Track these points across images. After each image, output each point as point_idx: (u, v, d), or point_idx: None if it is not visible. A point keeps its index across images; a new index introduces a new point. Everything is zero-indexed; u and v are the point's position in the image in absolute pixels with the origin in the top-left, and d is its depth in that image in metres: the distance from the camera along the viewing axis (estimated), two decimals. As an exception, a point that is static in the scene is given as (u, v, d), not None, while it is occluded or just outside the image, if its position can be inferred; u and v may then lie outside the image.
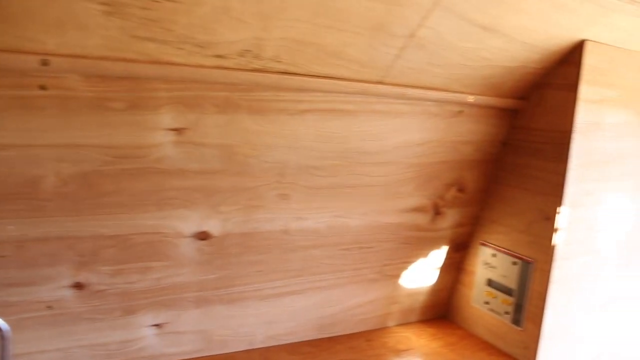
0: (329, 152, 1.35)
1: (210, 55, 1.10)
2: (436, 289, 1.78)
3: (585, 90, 1.44)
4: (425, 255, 1.69)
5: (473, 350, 1.61)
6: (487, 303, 1.67)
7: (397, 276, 1.67)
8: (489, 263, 1.66)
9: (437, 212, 1.61)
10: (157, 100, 1.12)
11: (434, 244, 1.68)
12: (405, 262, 1.66)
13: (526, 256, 1.55)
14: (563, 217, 1.46)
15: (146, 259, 1.27)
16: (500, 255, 1.63)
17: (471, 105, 1.49)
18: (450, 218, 1.66)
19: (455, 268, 1.77)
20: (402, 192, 1.52)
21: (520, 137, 1.58)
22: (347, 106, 1.31)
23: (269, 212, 1.36)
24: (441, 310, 1.83)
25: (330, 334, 1.62)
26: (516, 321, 1.57)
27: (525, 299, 1.55)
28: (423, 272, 1.71)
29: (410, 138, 1.45)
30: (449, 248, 1.72)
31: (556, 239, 1.47)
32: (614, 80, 1.50)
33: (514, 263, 1.58)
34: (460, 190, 1.62)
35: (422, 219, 1.61)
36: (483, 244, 1.69)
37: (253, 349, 1.51)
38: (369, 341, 1.61)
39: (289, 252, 1.43)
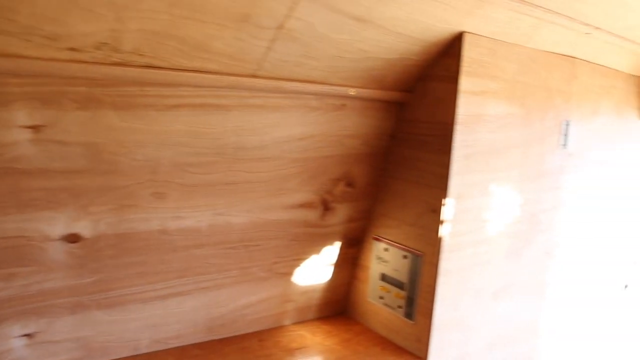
0: (204, 148, 1.33)
1: (63, 48, 1.05)
2: (332, 286, 1.78)
3: (466, 82, 1.46)
4: (318, 251, 1.69)
5: (367, 345, 1.62)
6: (381, 298, 1.68)
7: (289, 274, 1.66)
8: (382, 257, 1.68)
9: (326, 207, 1.61)
10: (8, 96, 1.07)
11: (326, 240, 1.68)
12: (297, 259, 1.65)
13: (416, 249, 1.57)
14: (449, 209, 1.49)
15: (10, 265, 1.21)
16: (392, 249, 1.64)
17: (354, 98, 1.49)
18: (341, 213, 1.67)
19: (350, 263, 1.78)
20: (287, 188, 1.51)
21: (408, 130, 1.60)
22: (220, 101, 1.29)
23: (144, 211, 1.33)
24: (339, 306, 1.84)
25: (220, 336, 1.59)
26: (408, 315, 1.59)
27: (417, 292, 1.57)
28: (317, 269, 1.71)
29: (291, 132, 1.45)
30: (342, 243, 1.73)
31: (443, 231, 1.50)
32: (495, 72, 1.54)
33: (405, 257, 1.60)
34: (349, 184, 1.62)
35: (311, 215, 1.61)
36: (376, 239, 1.70)
37: (138, 355, 1.47)
38: (262, 341, 1.60)
39: (169, 252, 1.40)
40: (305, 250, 1.66)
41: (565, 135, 1.80)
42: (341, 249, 1.73)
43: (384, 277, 1.67)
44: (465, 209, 1.53)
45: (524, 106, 1.63)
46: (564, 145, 1.80)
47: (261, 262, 1.58)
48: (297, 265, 1.66)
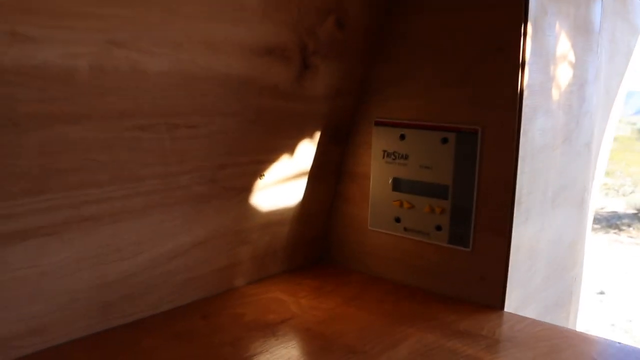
0: None
1: None
2: (306, 213, 1.06)
3: None
4: (287, 149, 0.96)
5: (391, 301, 0.93)
6: (397, 220, 1.00)
7: (245, 189, 0.91)
8: (395, 153, 0.99)
9: (304, 62, 0.88)
10: None
11: (300, 126, 0.96)
12: (257, 162, 0.91)
13: (467, 123, 0.91)
14: (527, 44, 0.85)
15: None
16: (413, 134, 0.97)
17: None
18: (324, 78, 0.94)
19: (333, 172, 1.07)
20: (248, 7, 0.76)
21: None
22: None
23: None
24: (316, 248, 1.12)
25: (127, 319, 0.83)
26: (458, 238, 0.93)
27: (475, 196, 0.91)
28: (284, 183, 0.99)
29: None
30: (323, 135, 1.01)
31: (520, 83, 0.85)
32: None
33: (444, 140, 0.94)
34: (340, 24, 0.90)
35: (282, 73, 0.87)
36: (380, 122, 1.01)
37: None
38: (207, 318, 0.85)
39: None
40: (269, 146, 0.92)
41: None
42: (321, 145, 1.01)
43: (399, 185, 0.99)
44: (539, 49, 0.89)
45: None
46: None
47: (201, 164, 0.82)
48: (257, 172, 0.92)
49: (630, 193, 8.19)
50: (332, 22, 0.89)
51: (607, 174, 9.49)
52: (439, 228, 0.95)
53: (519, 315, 0.91)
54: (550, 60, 0.96)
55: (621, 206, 7.99)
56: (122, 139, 0.71)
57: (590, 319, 4.36)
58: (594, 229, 7.45)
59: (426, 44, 0.96)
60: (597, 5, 1.24)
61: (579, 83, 1.17)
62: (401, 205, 0.99)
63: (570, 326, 1.43)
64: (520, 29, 0.85)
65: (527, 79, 0.87)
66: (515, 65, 0.86)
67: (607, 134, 1.78)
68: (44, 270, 0.68)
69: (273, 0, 0.80)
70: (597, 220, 7.72)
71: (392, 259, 1.04)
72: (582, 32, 1.15)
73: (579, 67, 1.15)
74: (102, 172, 0.70)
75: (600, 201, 8.33)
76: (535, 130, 0.93)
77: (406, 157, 0.98)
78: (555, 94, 1.02)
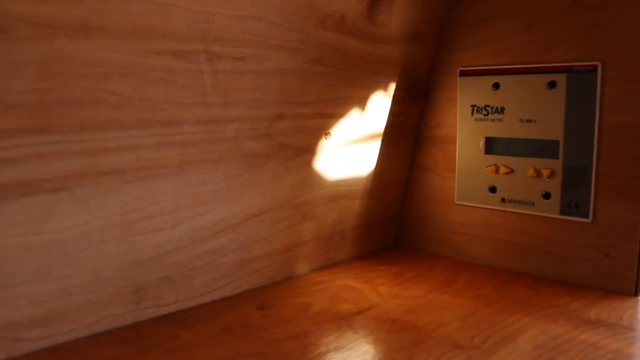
0: None
1: None
2: (379, 187, 0.86)
3: None
4: (357, 102, 0.76)
5: (492, 287, 0.72)
6: (493, 190, 0.81)
7: (307, 150, 0.72)
8: (487, 107, 0.79)
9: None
10: None
11: (371, 75, 0.76)
12: (321, 116, 0.72)
13: (581, 59, 0.70)
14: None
15: None
16: (509, 81, 0.76)
17: None
18: (400, 15, 0.75)
19: (411, 136, 0.87)
20: None
21: None
22: None
23: None
24: (392, 229, 0.92)
25: (162, 308, 0.66)
26: (573, 207, 0.73)
27: (596, 152, 0.70)
28: (353, 149, 0.79)
29: None
30: (398, 90, 0.81)
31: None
32: None
33: (550, 85, 0.74)
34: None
35: (351, 2, 0.68)
36: (467, 73, 0.81)
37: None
38: (264, 309, 0.68)
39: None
40: (337, 95, 0.73)
41: None
42: (395, 102, 0.81)
43: (495, 145, 0.79)
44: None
45: None
46: None
47: (250, 112, 0.64)
48: (322, 129, 0.73)
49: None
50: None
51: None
52: (547, 196, 0.75)
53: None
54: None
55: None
56: (149, 67, 0.53)
57: None
58: None
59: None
60: None
61: None
62: (497, 171, 0.79)
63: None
64: None
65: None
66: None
67: None
68: (51, 238, 0.52)
69: None
70: None
71: (487, 238, 0.83)
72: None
73: None
74: (124, 110, 0.53)
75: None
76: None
77: (502, 111, 0.78)
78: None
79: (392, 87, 0.81)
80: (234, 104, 0.62)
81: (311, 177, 0.76)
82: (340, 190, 0.81)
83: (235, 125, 0.63)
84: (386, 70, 0.79)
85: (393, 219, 0.93)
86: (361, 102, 0.78)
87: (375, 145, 0.83)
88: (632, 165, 0.69)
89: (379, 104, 0.81)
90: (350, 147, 0.79)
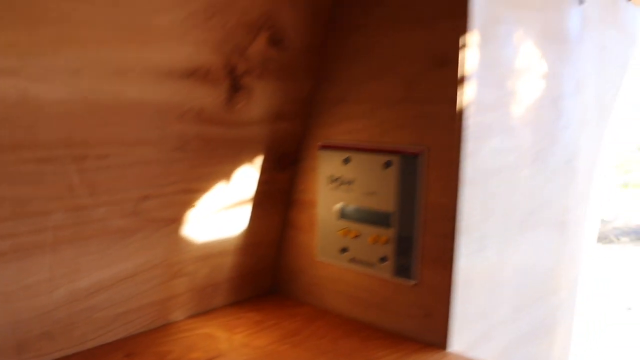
0: None
1: None
2: (252, 243, 1.00)
3: None
4: (223, 177, 0.91)
5: (332, 338, 0.88)
6: (344, 250, 0.95)
7: (175, 220, 0.86)
8: (340, 178, 0.94)
9: (235, 84, 0.83)
10: None
11: (235, 153, 0.90)
12: (187, 191, 0.86)
13: (409, 146, 0.86)
14: (472, 55, 0.80)
15: None
16: (358, 157, 0.90)
17: None
18: (260, 101, 0.89)
19: (280, 200, 1.02)
20: (162, 26, 0.72)
21: None
22: None
23: None
24: (266, 279, 1.07)
25: (43, 357, 0.78)
26: (403, 270, 0.86)
27: (416, 227, 0.85)
28: (223, 213, 0.94)
29: None
30: (266, 162, 0.96)
31: (462, 102, 0.79)
32: None
33: (386, 164, 0.89)
34: (276, 41, 0.86)
35: (209, 97, 0.82)
36: (326, 147, 0.97)
37: None
38: (130, 357, 0.79)
39: None
40: (200, 174, 0.87)
41: (582, -19, 1.21)
42: (263, 173, 0.96)
43: (347, 213, 0.93)
44: (490, 62, 0.83)
45: None
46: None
47: (119, 196, 0.77)
48: (188, 202, 0.87)
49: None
50: (264, 39, 0.84)
51: (635, 184, 9.26)
52: (384, 259, 0.89)
53: (463, 357, 0.84)
54: (508, 73, 0.90)
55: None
56: (20, 173, 0.67)
57: (616, 335, 4.22)
58: (621, 242, 7.28)
59: (369, 62, 0.90)
60: (574, 13, 1.18)
61: (552, 96, 1.10)
62: (347, 234, 0.94)
63: (555, 356, 1.35)
64: (464, 42, 0.78)
65: (475, 95, 0.81)
66: (458, 81, 0.80)
67: (606, 148, 1.70)
68: None
69: (189, 19, 0.75)
70: (625, 233, 7.52)
71: (339, 291, 0.98)
72: (555, 42, 1.09)
73: (552, 79, 1.09)
74: (1, 207, 0.67)
75: (627, 214, 8.13)
76: (488, 150, 0.87)
77: (351, 183, 0.92)
78: (517, 110, 0.96)
79: (261, 160, 0.95)
80: (100, 194, 0.75)
81: (181, 242, 0.89)
82: (212, 250, 0.95)
83: (103, 209, 0.76)
84: (252, 147, 0.93)
85: (267, 271, 1.07)
86: (228, 176, 0.92)
87: (247, 209, 0.97)
88: (443, 241, 0.83)
89: (248, 175, 0.95)
90: (221, 212, 0.93)
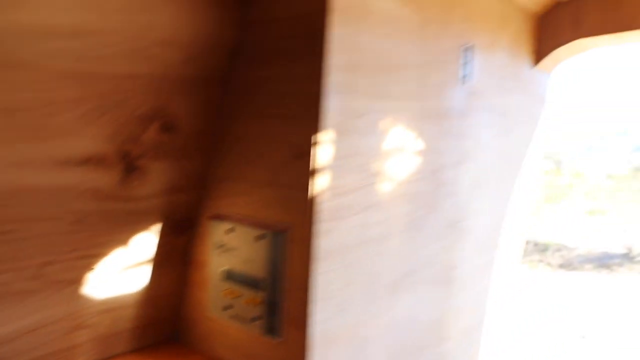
0: None
1: None
2: (153, 296, 1.15)
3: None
4: (122, 242, 1.05)
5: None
6: (229, 308, 1.08)
7: (76, 282, 1.01)
8: (225, 245, 1.08)
9: (129, 166, 0.99)
10: None
11: (134, 222, 1.05)
12: (87, 257, 1.00)
13: (277, 223, 1.01)
14: (325, 150, 0.95)
15: None
16: (240, 228, 1.05)
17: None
18: (156, 177, 1.05)
19: (179, 260, 1.16)
20: (56, 126, 0.87)
21: (258, 37, 1.02)
22: None
23: None
24: (167, 328, 1.20)
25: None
26: (271, 329, 1.01)
27: (282, 292, 1.01)
28: (125, 272, 1.08)
29: (55, 20, 0.81)
30: (164, 228, 1.10)
31: (316, 188, 0.95)
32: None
33: (260, 237, 1.02)
34: (168, 128, 1.01)
35: (104, 179, 0.97)
36: (215, 217, 1.11)
37: None
38: None
39: None
40: (100, 241, 1.01)
41: (467, 64, 1.37)
42: (162, 236, 1.11)
43: (230, 275, 1.08)
44: (348, 152, 0.99)
45: (419, 11, 1.14)
46: (464, 77, 1.37)
47: (21, 264, 0.91)
48: (89, 266, 1.01)
49: (623, 232, 8.18)
50: (157, 128, 1.00)
51: (601, 212, 9.50)
52: (256, 318, 1.03)
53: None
54: (374, 157, 1.06)
55: (613, 246, 7.98)
56: None
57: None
58: (585, 269, 7.46)
59: (246, 148, 1.06)
60: (458, 91, 1.33)
61: (432, 169, 1.25)
62: (230, 294, 1.08)
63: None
64: (315, 139, 0.94)
65: (331, 181, 0.97)
66: (312, 172, 0.95)
67: (518, 200, 1.85)
68: None
69: (87, 116, 0.90)
70: (589, 260, 7.72)
71: (224, 344, 1.12)
72: (436, 120, 1.24)
73: (431, 153, 1.24)
74: None
75: (591, 241, 8.35)
76: (348, 227, 1.02)
77: (234, 250, 1.07)
78: (385, 188, 1.11)
79: (159, 227, 1.09)
80: (3, 262, 0.89)
81: (83, 298, 1.03)
82: (114, 303, 1.09)
83: (5, 275, 0.90)
84: (150, 216, 1.08)
85: (168, 321, 1.21)
86: (126, 242, 1.06)
87: (148, 268, 1.12)
88: (302, 306, 0.97)
89: (147, 240, 1.09)
90: (122, 271, 1.07)
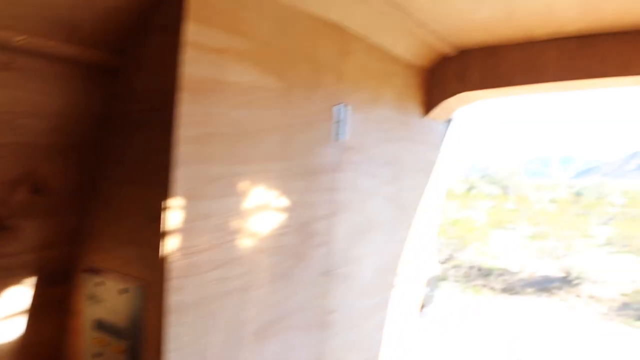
0: None
1: None
2: (29, 345, 1.21)
3: (195, 32, 1.03)
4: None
5: None
6: (99, 355, 1.16)
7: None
8: (96, 296, 1.16)
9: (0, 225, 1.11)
10: None
11: (6, 277, 1.12)
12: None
13: (137, 278, 1.09)
14: (175, 214, 1.04)
15: None
16: (108, 282, 1.14)
17: (26, 53, 1.00)
18: (28, 235, 1.12)
19: (56, 309, 1.23)
20: None
21: (121, 107, 1.12)
22: None
23: None
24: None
25: None
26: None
27: (141, 342, 1.08)
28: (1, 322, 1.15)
29: None
30: (39, 281, 1.18)
31: (168, 248, 1.04)
32: (240, 25, 1.13)
33: (124, 291, 1.11)
34: (38, 190, 1.10)
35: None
36: (87, 270, 1.19)
37: None
38: None
39: None
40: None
41: (340, 122, 1.48)
42: (38, 289, 1.18)
43: (100, 325, 1.16)
44: (201, 214, 1.09)
45: (284, 79, 1.26)
46: (338, 134, 1.49)
47: None
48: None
49: (562, 256, 8.45)
50: (26, 190, 1.08)
51: (542, 236, 9.78)
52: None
53: None
54: (230, 217, 1.16)
55: (553, 270, 8.24)
56: None
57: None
58: (526, 293, 7.68)
59: (114, 208, 1.14)
60: (331, 147, 1.45)
61: (301, 222, 1.36)
62: (100, 342, 1.16)
63: None
64: (167, 202, 1.03)
65: (182, 242, 1.06)
66: (164, 232, 1.04)
67: (413, 242, 1.96)
68: None
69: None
70: (530, 284, 7.95)
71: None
72: (302, 176, 1.35)
73: (299, 208, 1.35)
74: None
75: (532, 265, 8.61)
76: (203, 282, 1.11)
77: (103, 302, 1.15)
78: (247, 243, 1.21)
79: (34, 280, 1.16)
80: None
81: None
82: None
83: None
84: (23, 270, 1.15)
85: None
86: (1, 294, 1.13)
87: (23, 318, 1.18)
88: (158, 355, 1.05)
89: (20, 292, 1.16)
90: (-5, 323, 1.13)
